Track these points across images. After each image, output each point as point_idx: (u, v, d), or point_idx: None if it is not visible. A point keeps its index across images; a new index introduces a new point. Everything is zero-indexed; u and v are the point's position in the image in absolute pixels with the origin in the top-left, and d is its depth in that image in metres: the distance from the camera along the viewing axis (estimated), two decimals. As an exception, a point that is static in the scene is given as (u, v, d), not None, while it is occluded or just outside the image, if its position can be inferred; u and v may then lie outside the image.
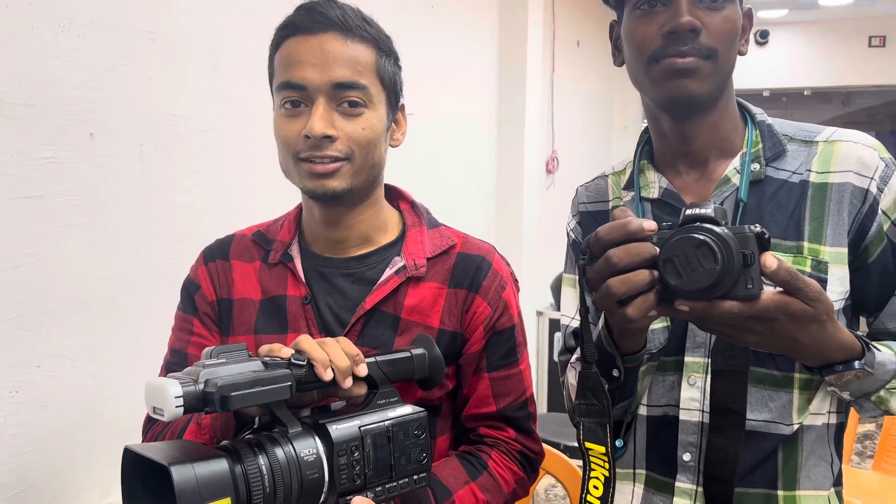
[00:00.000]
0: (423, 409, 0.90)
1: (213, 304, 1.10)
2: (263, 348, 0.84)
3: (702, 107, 0.98)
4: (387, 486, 0.86)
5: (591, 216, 1.14)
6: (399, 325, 1.04)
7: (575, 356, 1.10)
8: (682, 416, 1.01)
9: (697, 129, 1.01)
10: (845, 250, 0.96)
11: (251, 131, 1.89)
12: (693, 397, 1.00)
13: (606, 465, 0.92)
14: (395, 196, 1.15)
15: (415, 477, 0.88)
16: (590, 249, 0.83)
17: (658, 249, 0.78)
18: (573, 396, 0.98)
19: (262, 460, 0.76)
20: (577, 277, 0.89)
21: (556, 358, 1.24)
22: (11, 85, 1.35)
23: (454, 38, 3.19)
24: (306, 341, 0.85)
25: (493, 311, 1.06)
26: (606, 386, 0.92)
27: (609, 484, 0.92)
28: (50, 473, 1.47)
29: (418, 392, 1.01)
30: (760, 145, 1.01)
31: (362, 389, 0.88)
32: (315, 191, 0.99)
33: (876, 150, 0.98)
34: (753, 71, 5.94)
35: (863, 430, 4.53)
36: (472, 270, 1.07)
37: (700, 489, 0.99)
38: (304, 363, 0.82)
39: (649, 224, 0.80)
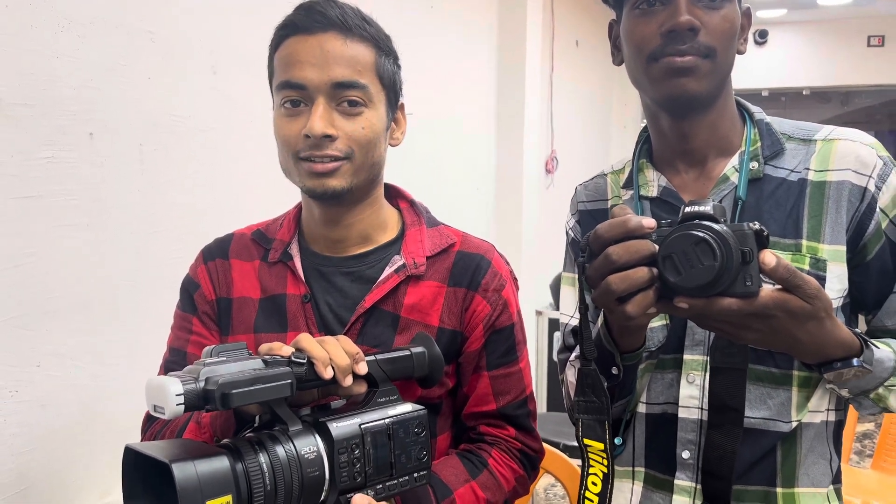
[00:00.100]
0: (423, 407, 0.91)
1: (213, 303, 1.10)
2: (263, 347, 0.84)
3: (701, 105, 0.99)
4: (387, 483, 0.86)
5: (590, 215, 1.15)
6: (399, 324, 1.04)
7: (574, 354, 1.11)
8: (681, 413, 1.01)
9: (696, 128, 1.01)
10: (844, 248, 0.97)
11: (251, 131, 1.89)
12: (692, 395, 1.00)
13: (605, 462, 0.93)
14: (394, 195, 1.16)
15: (415, 475, 0.89)
16: (589, 247, 0.83)
17: (657, 247, 0.78)
18: (572, 394, 0.98)
19: (262, 458, 0.77)
20: (577, 275, 0.89)
21: (555, 357, 1.24)
22: (11, 85, 1.35)
23: (453, 38, 3.20)
24: (306, 340, 0.85)
25: (492, 310, 1.07)
26: (605, 383, 0.92)
27: (608, 480, 0.93)
28: (50, 473, 1.47)
29: (418, 390, 1.02)
30: (759, 144, 1.02)
31: (362, 388, 0.89)
32: (315, 190, 1.00)
33: (874, 149, 0.98)
34: (752, 71, 5.95)
35: (862, 430, 4.54)
36: (471, 269, 1.07)
37: (699, 486, 1.00)
38: (305, 361, 0.82)
39: (648, 221, 0.80)
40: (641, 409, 1.06)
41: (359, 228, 1.07)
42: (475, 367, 1.08)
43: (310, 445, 0.80)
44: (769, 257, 0.76)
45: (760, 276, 0.76)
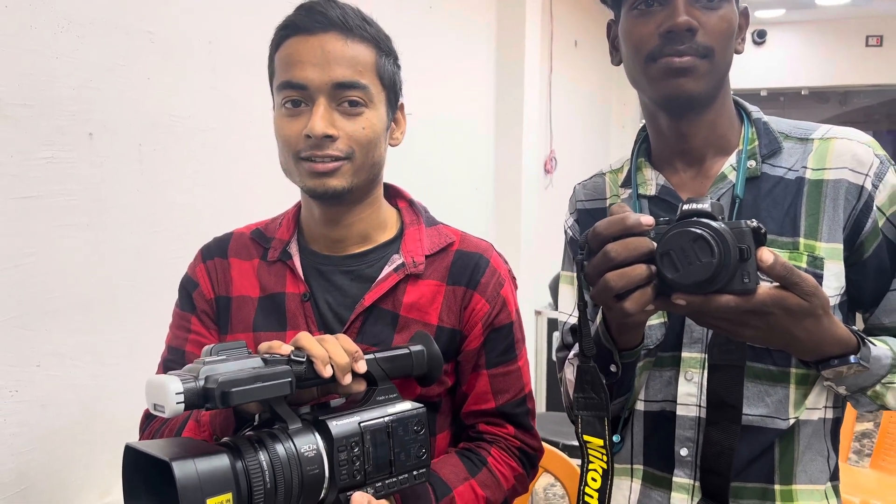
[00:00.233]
0: (422, 405, 0.91)
1: (212, 301, 1.10)
2: (263, 345, 0.85)
3: (699, 105, 0.99)
4: (386, 481, 0.86)
5: (588, 214, 1.15)
6: (398, 323, 1.05)
7: (573, 352, 1.11)
8: (679, 411, 1.01)
9: (695, 128, 1.02)
10: (841, 246, 0.97)
11: (250, 131, 1.89)
12: (690, 392, 1.01)
13: (604, 458, 0.93)
14: (393, 195, 1.16)
15: (414, 473, 0.89)
16: (588, 244, 0.83)
17: (655, 244, 0.79)
18: (571, 391, 0.98)
19: (262, 456, 0.77)
20: (575, 273, 0.90)
21: (554, 355, 1.24)
22: (11, 85, 1.35)
23: (452, 38, 3.20)
24: (306, 338, 0.85)
25: (491, 308, 1.07)
26: (604, 380, 0.93)
27: (607, 477, 0.93)
28: (50, 472, 1.47)
29: (417, 389, 1.02)
30: (756, 142, 1.02)
31: (361, 386, 0.89)
32: (316, 190, 1.00)
33: (871, 147, 0.98)
34: (751, 71, 5.95)
35: (861, 429, 4.54)
36: (470, 268, 1.07)
37: (697, 484, 1.00)
38: (304, 360, 0.83)
39: (647, 219, 0.80)
40: (640, 406, 1.06)
41: (358, 228, 1.07)
42: (474, 365, 1.08)
43: (309, 443, 0.80)
44: (766, 255, 0.76)
45: (758, 273, 0.77)
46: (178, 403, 0.73)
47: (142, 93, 1.63)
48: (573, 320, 1.16)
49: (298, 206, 1.14)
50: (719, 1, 0.95)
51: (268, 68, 1.05)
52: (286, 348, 0.84)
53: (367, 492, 0.84)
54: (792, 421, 0.99)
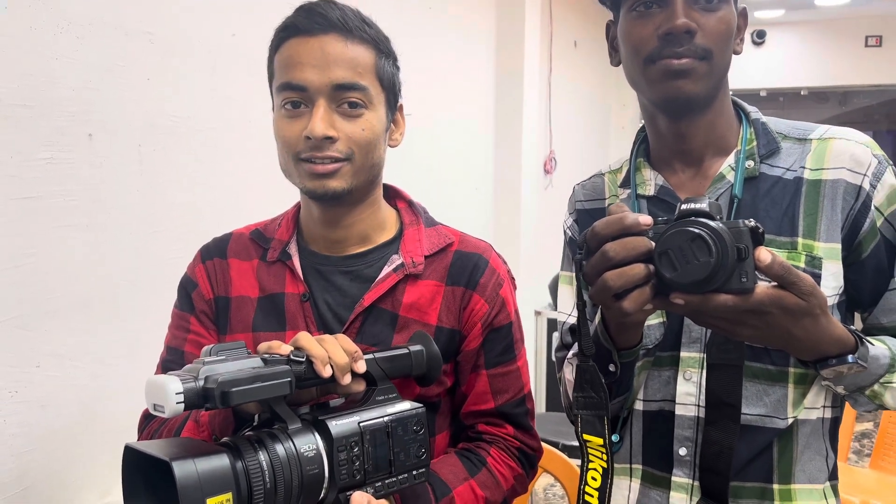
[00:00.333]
0: (421, 405, 0.91)
1: (211, 301, 1.11)
2: (262, 345, 0.85)
3: (698, 107, 0.99)
4: (386, 481, 0.86)
5: (587, 214, 1.15)
6: (397, 323, 1.05)
7: (572, 352, 1.11)
8: (678, 410, 1.02)
9: (694, 129, 1.02)
10: (839, 246, 0.97)
11: (250, 131, 1.90)
12: (689, 392, 1.01)
13: (604, 457, 0.93)
14: (392, 195, 1.16)
15: (414, 472, 0.89)
16: (587, 244, 0.83)
17: (653, 243, 0.79)
18: (570, 391, 0.98)
19: (262, 456, 0.77)
20: (574, 273, 0.90)
21: (553, 356, 1.24)
22: (11, 86, 1.36)
23: (452, 38, 3.20)
24: (305, 338, 0.85)
25: (490, 308, 1.07)
26: (603, 379, 0.93)
27: (607, 475, 0.93)
28: (50, 473, 1.47)
29: (417, 389, 1.02)
30: (755, 143, 1.02)
31: (361, 386, 0.89)
32: (315, 191, 1.00)
33: (868, 148, 0.99)
34: (750, 71, 5.95)
35: (861, 429, 4.54)
36: (469, 268, 1.07)
37: (696, 483, 1.00)
38: (304, 360, 0.83)
39: (645, 218, 0.80)
40: (638, 406, 1.06)
41: (358, 229, 1.08)
42: (473, 365, 1.08)
43: (309, 443, 0.80)
44: (764, 254, 0.76)
45: (756, 272, 0.77)
46: (177, 403, 0.73)
47: (141, 93, 1.63)
48: (572, 320, 1.16)
49: (298, 207, 1.14)
50: (718, 2, 0.96)
51: (267, 69, 1.05)
52: (286, 348, 0.84)
53: (366, 491, 0.84)
54: (790, 420, 0.99)
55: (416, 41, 2.88)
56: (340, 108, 0.98)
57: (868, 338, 0.91)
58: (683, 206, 0.80)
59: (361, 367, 0.88)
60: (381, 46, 1.02)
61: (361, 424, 0.84)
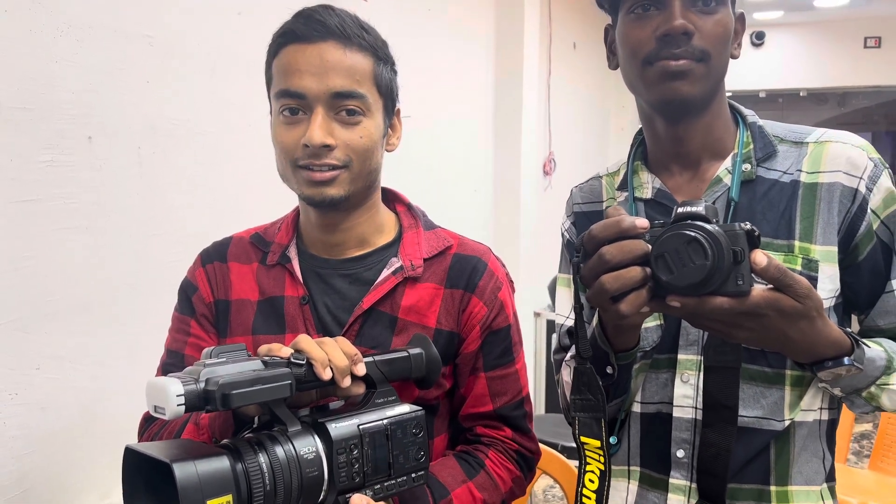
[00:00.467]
0: (420, 408, 0.91)
1: (211, 305, 1.11)
2: (263, 348, 0.85)
3: (694, 108, 1.00)
4: (385, 483, 0.87)
5: (585, 216, 1.16)
6: (396, 325, 1.05)
7: (570, 354, 1.12)
8: (676, 413, 1.02)
9: (691, 132, 1.02)
10: (835, 249, 0.98)
11: (249, 133, 1.90)
12: (686, 394, 1.01)
13: (602, 459, 0.94)
14: (391, 199, 1.16)
15: (413, 475, 0.89)
16: (584, 247, 0.84)
17: (650, 246, 0.79)
18: (568, 393, 0.99)
19: (262, 458, 0.77)
20: (572, 275, 0.90)
21: (552, 357, 1.24)
22: (11, 89, 1.36)
23: (451, 40, 3.21)
24: (305, 341, 0.86)
25: (489, 311, 1.07)
26: (601, 382, 0.93)
27: (604, 477, 0.94)
28: (50, 475, 1.48)
29: (416, 391, 1.02)
30: (751, 146, 1.03)
31: (360, 389, 0.89)
32: (313, 198, 1.01)
33: (865, 151, 0.99)
34: (749, 72, 5.96)
35: (860, 430, 4.55)
36: (468, 271, 1.08)
37: (694, 485, 1.01)
38: (304, 362, 0.83)
39: (642, 222, 0.81)
40: (636, 408, 1.07)
41: (356, 232, 1.08)
42: (472, 368, 1.08)
43: (309, 446, 0.81)
44: (760, 257, 0.77)
45: (752, 275, 0.77)
46: (178, 405, 0.73)
47: (141, 96, 1.64)
48: (570, 322, 1.17)
49: (297, 211, 1.14)
50: (715, 5, 0.96)
51: (265, 74, 1.05)
52: (286, 351, 0.84)
53: (365, 494, 0.84)
54: (787, 422, 0.99)
55: (415, 42, 2.89)
56: (338, 116, 0.99)
57: (864, 340, 0.92)
58: (680, 210, 0.80)
59: (361, 369, 0.88)
60: (380, 53, 1.03)
61: (361, 427, 0.85)
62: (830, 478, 1.05)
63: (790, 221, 0.99)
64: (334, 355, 0.85)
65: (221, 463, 0.74)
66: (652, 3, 0.96)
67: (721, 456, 0.94)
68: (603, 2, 1.05)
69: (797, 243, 0.98)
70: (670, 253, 0.78)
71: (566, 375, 1.10)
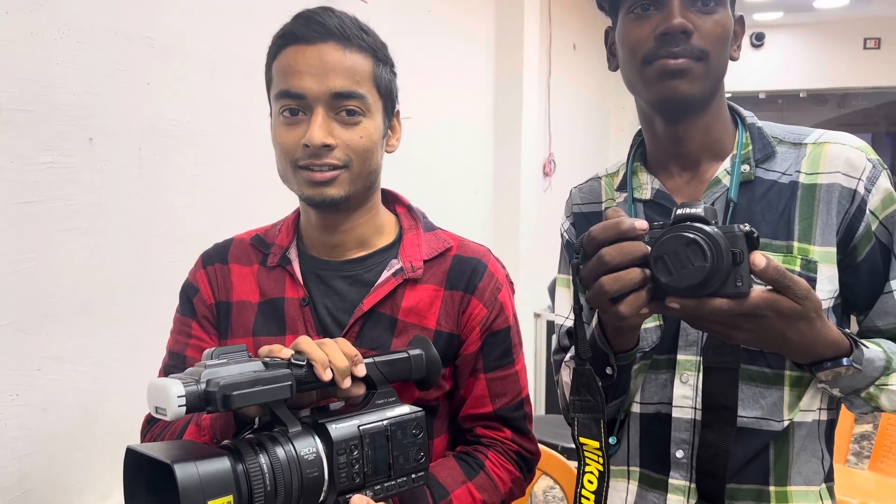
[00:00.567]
0: (420, 408, 0.92)
1: (212, 307, 1.11)
2: (263, 349, 0.85)
3: (693, 108, 1.00)
4: (385, 484, 0.87)
5: (584, 217, 1.16)
6: (396, 327, 1.05)
7: (569, 355, 1.12)
8: (675, 413, 1.02)
9: (690, 132, 1.02)
10: (834, 250, 0.98)
11: (249, 134, 1.90)
12: (685, 395, 1.02)
13: (601, 460, 0.94)
14: (391, 200, 1.17)
15: (413, 476, 0.90)
16: (583, 248, 0.84)
17: (649, 248, 0.80)
18: (567, 394, 0.99)
19: (263, 459, 0.77)
20: (571, 276, 0.90)
21: (551, 358, 1.25)
22: (11, 90, 1.36)
23: (451, 42, 3.21)
24: (306, 342, 0.86)
25: (489, 313, 1.08)
26: (600, 383, 0.93)
27: (603, 478, 0.94)
28: (50, 476, 1.48)
29: (416, 392, 1.03)
30: (750, 147, 1.03)
31: (361, 390, 0.90)
32: (314, 198, 1.01)
33: (863, 152, 0.99)
34: (749, 73, 5.97)
35: (860, 431, 4.55)
36: (468, 272, 1.08)
37: (693, 485, 1.01)
38: (304, 363, 0.83)
39: (641, 223, 0.81)
40: (636, 409, 1.07)
41: (356, 233, 1.08)
42: (472, 369, 1.09)
43: (309, 447, 0.81)
44: (759, 258, 0.77)
45: (751, 276, 0.78)
46: (179, 406, 0.73)
47: (141, 98, 1.64)
48: (569, 323, 1.17)
49: (297, 212, 1.15)
50: (715, 5, 0.97)
51: (265, 75, 1.05)
52: (286, 352, 0.84)
53: (366, 495, 0.85)
54: (786, 423, 0.99)
55: (415, 43, 2.89)
56: (338, 116, 0.99)
57: (863, 340, 0.92)
58: (679, 211, 0.80)
59: (361, 370, 0.88)
60: (379, 54, 1.03)
61: (361, 428, 0.85)
62: (829, 478, 1.05)
63: (789, 222, 0.99)
64: (334, 356, 0.86)
65: (222, 463, 0.74)
66: (651, 3, 0.97)
67: (720, 456, 0.94)
68: (603, 3, 1.05)
69: (796, 244, 0.98)
70: (669, 254, 0.78)
71: (565, 376, 1.10)
